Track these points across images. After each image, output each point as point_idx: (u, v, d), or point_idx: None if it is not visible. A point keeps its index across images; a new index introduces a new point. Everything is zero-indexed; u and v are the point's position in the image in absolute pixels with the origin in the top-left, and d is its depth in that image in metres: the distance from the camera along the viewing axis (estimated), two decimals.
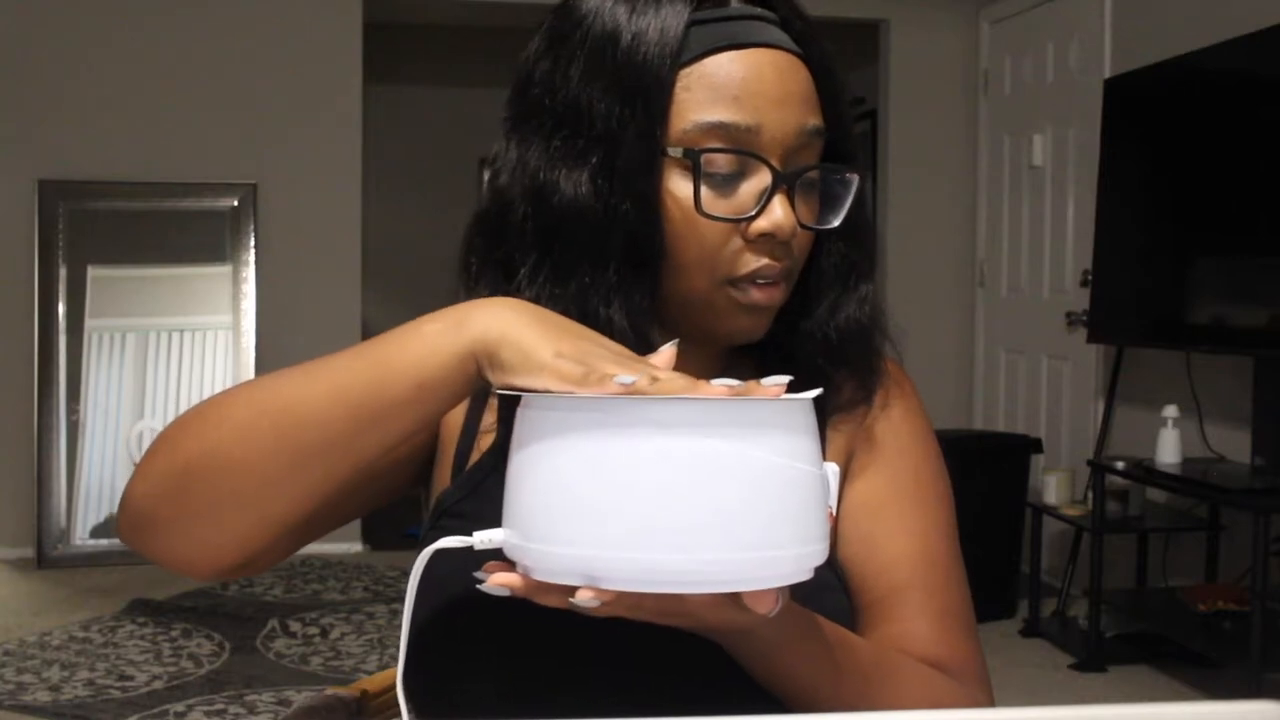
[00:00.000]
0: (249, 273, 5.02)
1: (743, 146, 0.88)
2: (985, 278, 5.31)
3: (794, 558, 0.70)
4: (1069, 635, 4.01)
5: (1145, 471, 3.64)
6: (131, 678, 3.50)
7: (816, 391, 0.73)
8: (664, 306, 0.91)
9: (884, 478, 0.98)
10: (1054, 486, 4.11)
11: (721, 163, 0.88)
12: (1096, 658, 3.73)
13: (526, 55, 0.94)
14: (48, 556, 4.78)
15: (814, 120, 0.90)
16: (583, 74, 0.89)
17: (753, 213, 0.88)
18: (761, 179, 0.88)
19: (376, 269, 5.84)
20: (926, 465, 1.01)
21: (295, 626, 4.02)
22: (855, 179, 0.93)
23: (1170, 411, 3.66)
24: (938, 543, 0.98)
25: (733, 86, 0.87)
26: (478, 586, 0.74)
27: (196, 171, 5.01)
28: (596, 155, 0.88)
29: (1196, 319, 3.66)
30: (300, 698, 3.26)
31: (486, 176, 0.97)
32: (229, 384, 4.89)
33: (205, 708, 3.27)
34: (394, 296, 6.66)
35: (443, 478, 0.98)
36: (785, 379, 0.73)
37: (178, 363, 4.93)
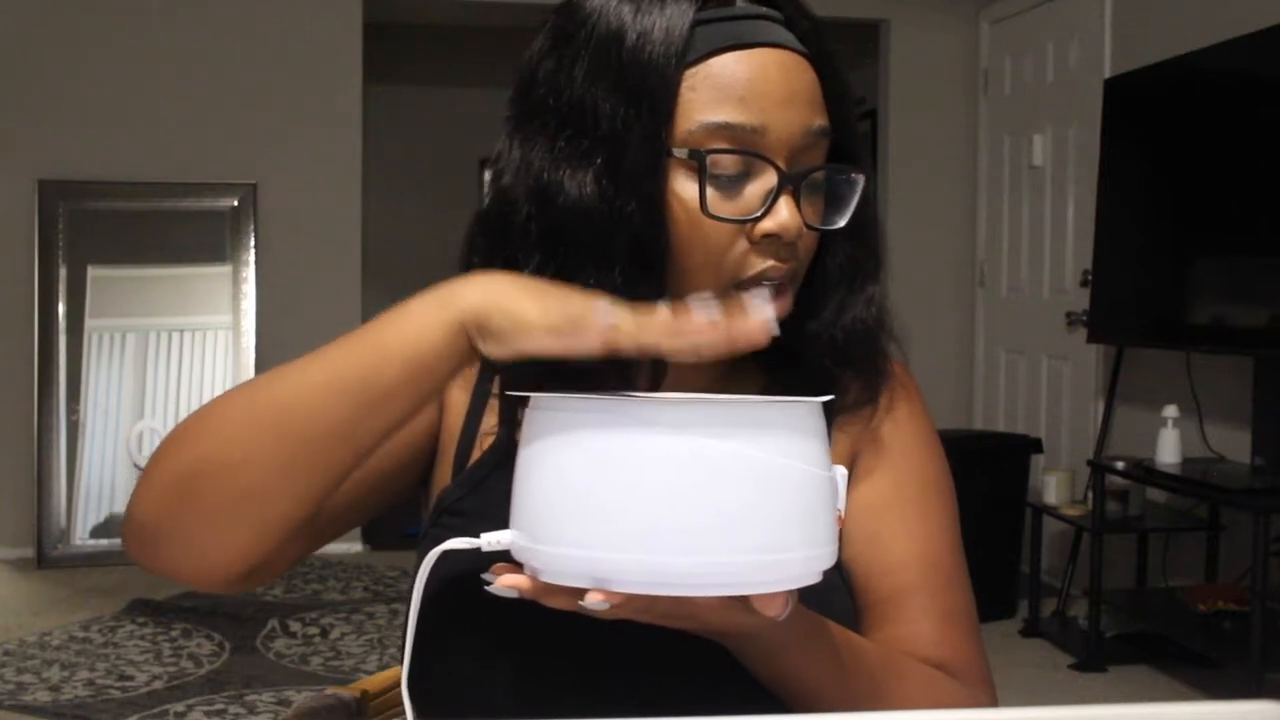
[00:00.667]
0: (249, 273, 5.02)
1: (748, 147, 0.87)
2: (985, 278, 5.31)
3: (802, 560, 0.70)
4: (1069, 635, 4.01)
5: (1145, 471, 3.64)
6: (131, 678, 3.50)
7: (827, 397, 0.73)
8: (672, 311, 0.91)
9: (889, 479, 0.98)
10: (1054, 486, 4.11)
11: (727, 164, 0.87)
12: (1096, 658, 3.73)
13: (530, 54, 0.94)
14: (48, 556, 4.78)
15: (819, 120, 0.90)
16: (587, 73, 0.88)
17: (758, 214, 0.88)
18: (767, 180, 0.88)
19: (376, 269, 5.84)
20: (931, 467, 1.01)
21: (295, 626, 4.02)
22: (861, 179, 0.93)
23: (1170, 411, 3.65)
24: (942, 544, 0.98)
25: (738, 87, 0.87)
26: (486, 588, 0.74)
27: (196, 171, 5.00)
28: (601, 156, 0.87)
29: (1196, 319, 3.66)
30: (300, 698, 3.26)
31: (488, 176, 0.96)
32: (229, 384, 4.89)
33: (205, 708, 3.27)
34: (394, 296, 6.58)
35: (443, 477, 0.98)
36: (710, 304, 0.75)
37: (178, 363, 4.93)
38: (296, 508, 0.80)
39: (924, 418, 1.03)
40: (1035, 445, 4.34)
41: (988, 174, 5.28)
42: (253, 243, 5.03)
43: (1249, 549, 3.23)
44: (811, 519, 0.70)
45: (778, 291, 0.90)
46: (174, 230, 4.98)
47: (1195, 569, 3.86)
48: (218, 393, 5.04)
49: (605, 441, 0.68)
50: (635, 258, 0.88)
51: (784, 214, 0.87)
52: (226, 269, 5.02)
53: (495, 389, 0.98)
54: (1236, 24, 3.56)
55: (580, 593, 0.69)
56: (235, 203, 5.03)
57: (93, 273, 4.90)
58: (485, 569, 0.75)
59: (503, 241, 0.93)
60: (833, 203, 0.93)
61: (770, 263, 0.89)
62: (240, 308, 4.99)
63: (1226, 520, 3.75)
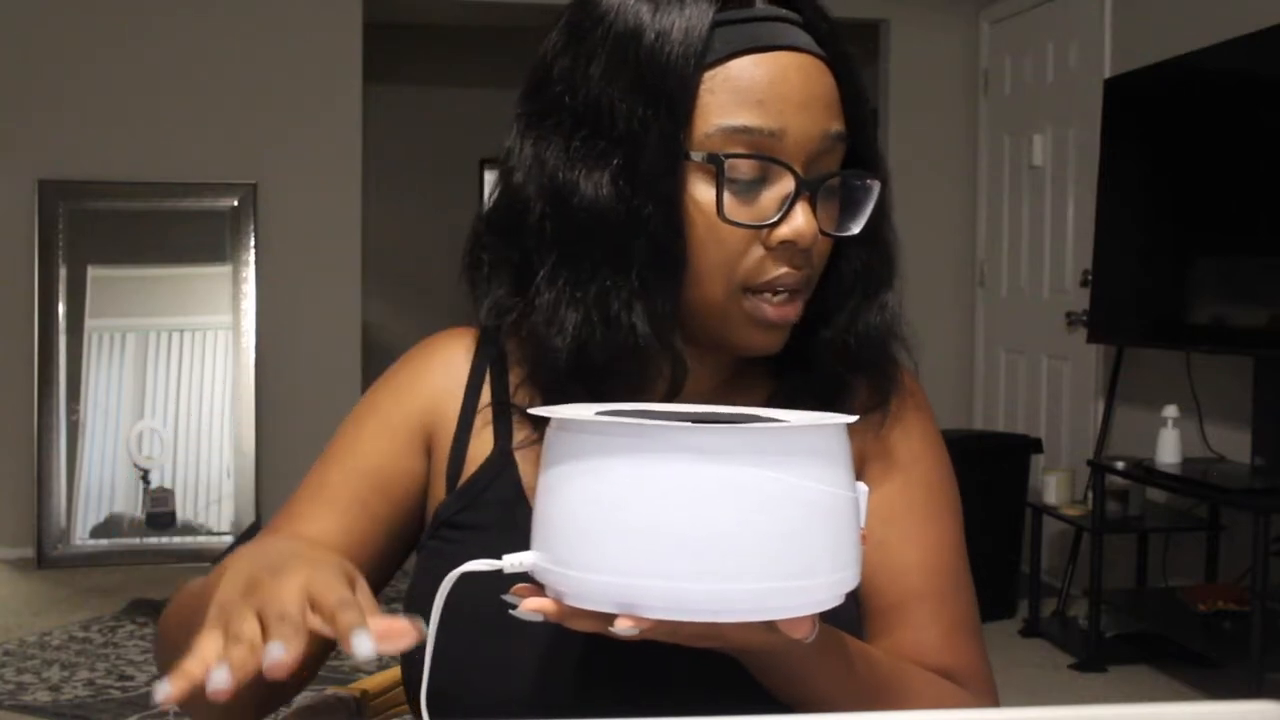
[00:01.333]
0: (249, 273, 5.02)
1: (765, 151, 0.86)
2: (985, 278, 5.31)
3: (828, 585, 0.70)
4: (1069, 635, 4.01)
5: (1145, 471, 3.64)
6: (131, 678, 3.50)
7: (852, 418, 0.72)
8: (681, 314, 0.90)
9: (897, 486, 0.97)
10: (1054, 486, 4.11)
11: (744, 168, 0.86)
12: (1096, 658, 3.73)
13: (544, 50, 0.92)
14: (48, 556, 4.78)
15: (837, 125, 0.89)
16: (604, 72, 0.87)
17: (774, 219, 0.87)
18: (784, 185, 0.87)
19: (376, 269, 5.84)
20: (938, 474, 1.00)
21: None
22: (877, 185, 0.91)
23: (1170, 411, 3.65)
24: (948, 552, 0.98)
25: (757, 90, 0.86)
26: (510, 612, 0.73)
27: (196, 171, 5.00)
28: (618, 157, 0.86)
29: (1196, 319, 3.66)
30: (300, 698, 3.25)
31: (498, 172, 0.95)
32: (229, 384, 4.90)
33: None
34: (394, 296, 6.67)
35: (437, 491, 0.97)
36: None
37: (178, 363, 4.92)
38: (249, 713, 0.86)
39: (931, 425, 1.02)
40: (1035, 445, 4.34)
41: (988, 174, 5.28)
42: (253, 243, 5.02)
43: (1249, 549, 3.23)
44: (838, 542, 0.70)
45: (789, 298, 0.89)
46: (174, 230, 4.98)
47: (1195, 569, 3.86)
48: (217, 393, 4.93)
49: (635, 466, 0.67)
50: (652, 260, 0.86)
51: (800, 220, 0.86)
52: (226, 269, 5.02)
53: (485, 399, 0.98)
54: (1236, 24, 3.56)
55: (605, 616, 0.69)
56: (235, 203, 5.03)
57: (93, 273, 4.90)
58: (496, 581, 0.75)
59: (514, 240, 0.92)
60: (848, 209, 0.92)
61: (784, 270, 0.88)
62: (240, 308, 4.99)
63: (1226, 520, 3.75)
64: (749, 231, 0.87)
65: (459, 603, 0.74)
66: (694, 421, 0.68)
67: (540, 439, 0.92)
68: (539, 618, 0.72)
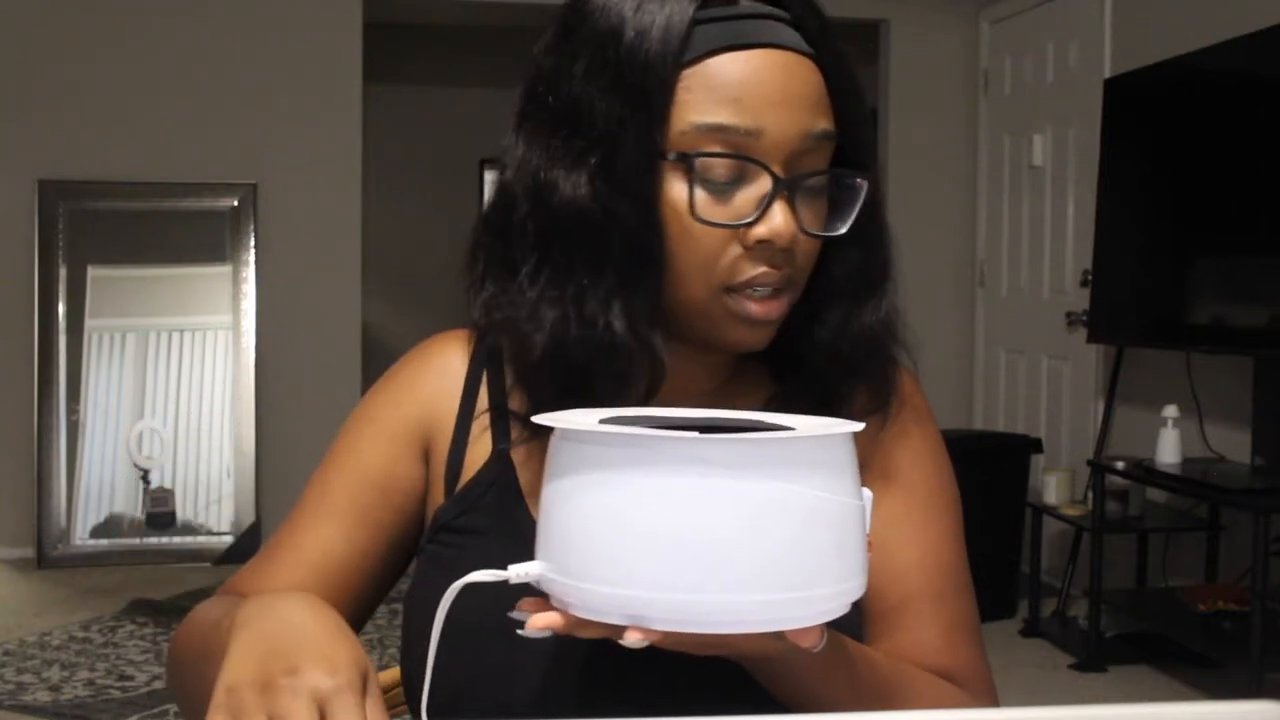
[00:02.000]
0: (249, 273, 5.02)
1: (742, 150, 0.85)
2: (985, 278, 5.31)
3: (836, 594, 0.70)
4: (1069, 635, 4.00)
5: (1145, 471, 3.64)
6: (131, 678, 3.50)
7: (859, 425, 0.71)
8: (668, 314, 0.89)
9: (897, 488, 0.97)
10: (1054, 486, 4.11)
11: (719, 167, 0.85)
12: (1096, 658, 3.73)
13: (537, 49, 0.92)
14: (48, 556, 4.78)
15: (822, 124, 0.87)
16: (585, 71, 0.87)
17: (750, 219, 0.86)
18: (762, 184, 0.86)
19: (376, 269, 5.84)
20: (938, 475, 1.00)
21: None
22: (864, 185, 0.90)
23: (1170, 411, 3.65)
24: (948, 553, 0.98)
25: (733, 88, 0.85)
26: (518, 631, 0.73)
27: (196, 171, 5.00)
28: (596, 156, 0.86)
29: (1196, 319, 3.66)
30: None
31: (498, 172, 0.95)
32: (229, 384, 4.90)
33: None
34: (394, 296, 6.67)
35: (436, 496, 0.97)
36: None
37: (178, 363, 4.92)
38: None
39: (931, 426, 1.02)
40: (1035, 445, 4.34)
41: (988, 174, 5.28)
42: (253, 243, 5.02)
43: (1249, 549, 3.23)
44: (847, 551, 0.70)
45: (773, 294, 0.88)
46: (174, 230, 4.98)
47: (1195, 569, 3.86)
48: (217, 393, 4.94)
49: (643, 477, 0.67)
50: (629, 260, 0.86)
51: (777, 220, 0.85)
52: (226, 269, 5.02)
53: (482, 405, 0.97)
54: (1236, 24, 3.56)
55: (614, 626, 0.68)
56: (235, 203, 5.03)
57: (93, 273, 4.90)
58: (499, 589, 0.74)
59: (505, 238, 0.92)
60: (835, 208, 0.91)
61: (762, 269, 0.87)
62: (240, 308, 4.99)
63: (1226, 520, 3.75)
64: (726, 231, 0.86)
65: (461, 610, 0.74)
66: (699, 429, 0.68)
67: (534, 439, 0.92)
68: (548, 634, 0.71)
